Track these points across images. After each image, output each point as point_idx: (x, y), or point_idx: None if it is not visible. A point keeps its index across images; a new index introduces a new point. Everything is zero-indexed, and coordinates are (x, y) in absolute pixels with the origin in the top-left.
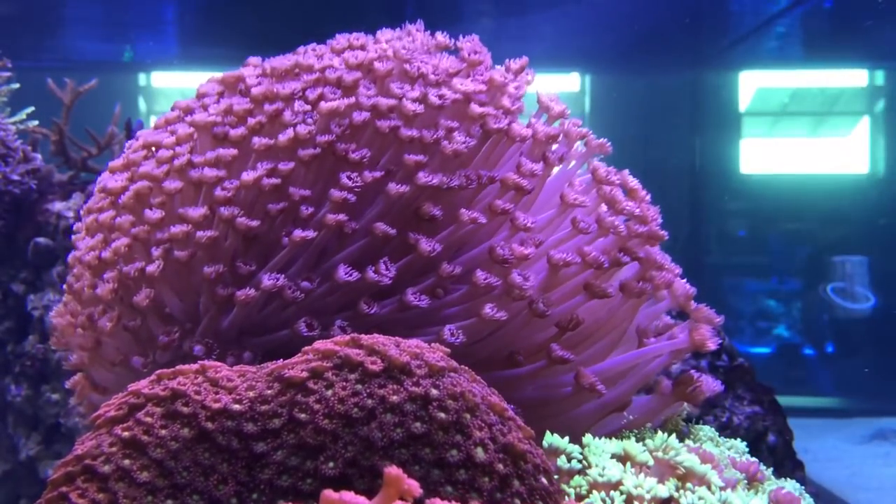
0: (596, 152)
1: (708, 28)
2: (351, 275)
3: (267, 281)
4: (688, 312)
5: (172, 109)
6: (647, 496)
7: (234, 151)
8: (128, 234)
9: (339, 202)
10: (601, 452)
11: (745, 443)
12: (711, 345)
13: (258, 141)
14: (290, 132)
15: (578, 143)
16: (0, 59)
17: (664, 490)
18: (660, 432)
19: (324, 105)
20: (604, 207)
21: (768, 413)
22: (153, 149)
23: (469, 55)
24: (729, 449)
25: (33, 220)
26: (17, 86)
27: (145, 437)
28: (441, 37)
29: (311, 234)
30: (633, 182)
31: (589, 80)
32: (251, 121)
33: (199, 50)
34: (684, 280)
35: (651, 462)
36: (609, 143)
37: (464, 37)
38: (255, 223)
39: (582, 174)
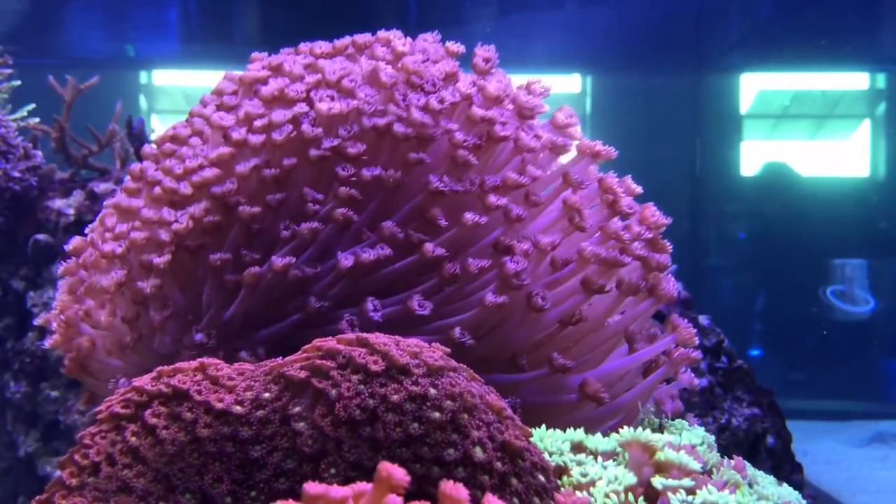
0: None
1: (709, 30)
2: (349, 259)
3: (278, 261)
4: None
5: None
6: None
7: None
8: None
9: (344, 198)
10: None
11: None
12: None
13: (255, 139)
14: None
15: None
16: (1, 55)
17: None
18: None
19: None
20: (607, 213)
21: (767, 415)
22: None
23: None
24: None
25: (34, 217)
26: (18, 83)
27: (134, 438)
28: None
29: (317, 225)
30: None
31: (590, 81)
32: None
33: (200, 48)
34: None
35: (618, 449)
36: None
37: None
38: (256, 209)
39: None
